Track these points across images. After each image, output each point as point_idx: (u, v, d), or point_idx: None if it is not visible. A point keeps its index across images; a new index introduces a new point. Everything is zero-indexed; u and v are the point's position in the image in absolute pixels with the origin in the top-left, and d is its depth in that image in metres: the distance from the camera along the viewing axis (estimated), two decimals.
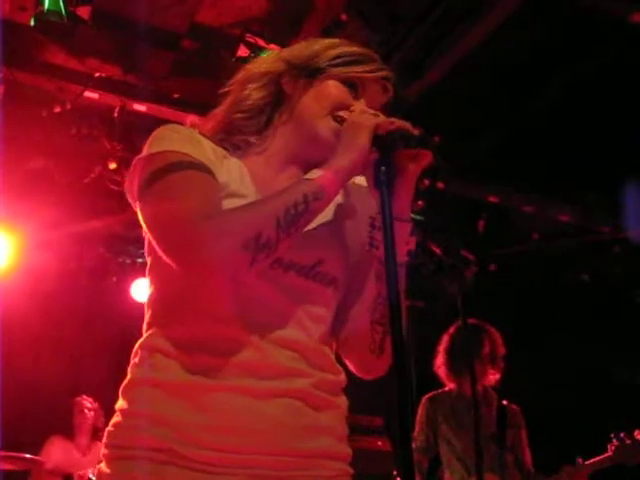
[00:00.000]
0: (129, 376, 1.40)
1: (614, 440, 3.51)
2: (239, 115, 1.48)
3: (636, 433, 3.50)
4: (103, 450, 1.36)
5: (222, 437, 1.27)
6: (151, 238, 1.33)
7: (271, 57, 1.55)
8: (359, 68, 1.44)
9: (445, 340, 3.81)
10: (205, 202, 1.27)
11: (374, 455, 4.37)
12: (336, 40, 1.52)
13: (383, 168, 1.27)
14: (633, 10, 3.45)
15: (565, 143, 4.47)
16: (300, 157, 1.47)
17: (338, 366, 1.46)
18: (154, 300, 1.42)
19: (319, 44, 1.50)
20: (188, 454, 1.26)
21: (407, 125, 1.30)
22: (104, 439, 1.37)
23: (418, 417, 3.75)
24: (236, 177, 1.40)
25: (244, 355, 1.30)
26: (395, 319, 1.15)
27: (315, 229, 1.40)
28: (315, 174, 1.31)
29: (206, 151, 1.38)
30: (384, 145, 1.28)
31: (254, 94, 1.48)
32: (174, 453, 1.26)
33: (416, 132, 1.28)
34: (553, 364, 5.82)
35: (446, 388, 3.76)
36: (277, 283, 1.35)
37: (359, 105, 1.42)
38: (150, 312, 1.43)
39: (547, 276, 6.06)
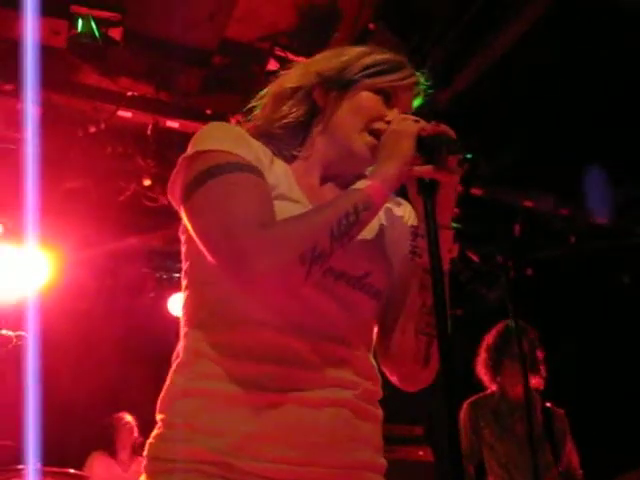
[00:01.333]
0: (171, 383, 1.36)
1: None
2: (279, 131, 1.46)
3: None
4: (145, 463, 1.33)
5: (279, 449, 1.25)
6: (201, 245, 1.28)
7: (300, 70, 1.52)
8: (391, 77, 1.43)
9: (485, 343, 3.77)
10: (259, 209, 1.24)
11: (415, 465, 4.34)
12: (366, 48, 1.50)
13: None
14: None
15: (599, 146, 4.41)
16: (337, 169, 1.46)
17: (379, 376, 1.45)
18: (195, 303, 1.39)
19: (348, 54, 1.48)
20: (244, 466, 1.23)
21: (450, 130, 1.29)
22: (145, 451, 1.33)
23: (460, 423, 3.71)
24: (284, 180, 1.38)
25: (295, 364, 1.29)
26: (442, 327, 1.14)
27: (364, 240, 1.40)
28: (363, 184, 1.30)
29: (256, 151, 1.36)
30: (428, 150, 1.27)
31: (292, 111, 1.47)
32: (228, 466, 1.23)
33: (457, 139, 1.28)
34: (596, 367, 5.73)
35: (488, 391, 3.72)
36: (329, 292, 1.34)
37: (393, 114, 1.41)
38: (190, 315, 1.39)
39: (586, 279, 5.97)
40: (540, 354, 3.64)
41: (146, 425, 5.62)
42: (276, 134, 1.46)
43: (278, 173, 1.38)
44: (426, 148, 1.28)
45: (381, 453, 1.41)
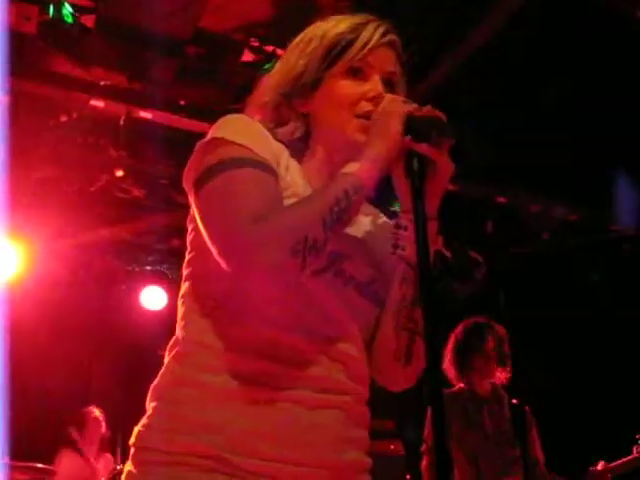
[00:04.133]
0: (168, 371, 1.33)
1: (639, 442, 3.46)
2: (282, 139, 1.43)
3: None
4: (133, 452, 1.29)
5: (274, 447, 1.23)
6: (205, 237, 1.27)
7: (267, 89, 1.46)
8: (350, 54, 1.38)
9: (452, 340, 3.78)
10: (258, 204, 1.22)
11: (386, 459, 4.35)
12: (315, 32, 1.43)
13: (415, 158, 1.23)
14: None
15: (571, 142, 4.45)
16: (345, 161, 1.37)
17: (368, 381, 1.43)
18: (200, 294, 1.35)
19: (299, 52, 1.43)
20: (239, 463, 1.21)
21: (439, 113, 1.26)
22: (133, 439, 1.30)
23: (428, 418, 3.72)
24: (299, 181, 1.37)
25: (301, 365, 1.27)
26: (429, 323, 1.08)
27: (372, 248, 1.39)
28: (352, 167, 1.27)
29: (272, 147, 1.34)
30: (417, 131, 1.24)
31: (284, 130, 1.43)
32: (223, 461, 1.21)
33: (447, 122, 1.24)
34: (563, 363, 5.79)
35: (455, 388, 3.73)
36: (337, 294, 1.32)
37: (371, 84, 1.38)
38: (193, 305, 1.35)
39: (556, 276, 6.03)
40: (506, 349, 3.66)
41: (116, 418, 5.61)
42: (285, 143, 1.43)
43: (294, 173, 1.37)
44: (415, 129, 1.24)
45: (367, 453, 1.40)
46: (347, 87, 1.38)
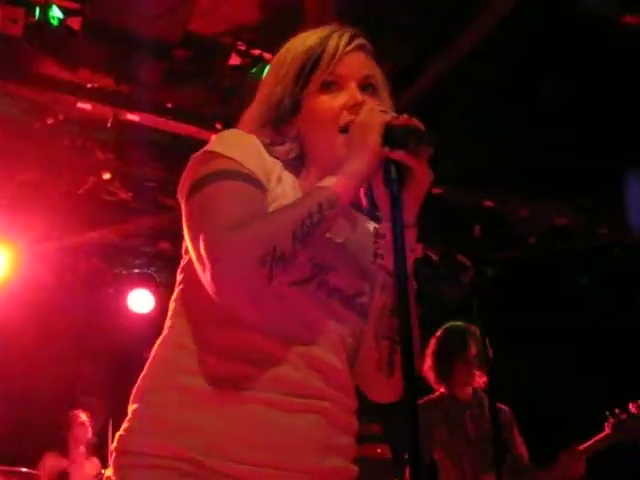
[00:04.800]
0: (148, 374, 1.35)
1: (609, 418, 3.46)
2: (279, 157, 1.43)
3: (630, 406, 3.45)
4: (114, 456, 1.30)
5: (249, 450, 1.23)
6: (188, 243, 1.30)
7: (250, 121, 1.47)
8: (321, 67, 1.38)
9: (432, 344, 3.76)
10: (235, 215, 1.22)
11: (374, 463, 4.35)
12: (286, 55, 1.44)
13: (393, 166, 1.22)
14: (625, 12, 3.45)
15: (560, 146, 4.47)
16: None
17: (354, 391, 1.42)
18: (188, 299, 1.38)
19: (274, 77, 1.44)
20: (213, 465, 1.22)
21: (417, 121, 1.25)
22: (115, 444, 1.31)
23: None
24: (289, 191, 1.37)
25: (279, 370, 1.28)
26: (405, 328, 1.05)
27: (359, 260, 1.38)
28: (329, 181, 1.26)
29: (264, 160, 1.35)
30: (396, 141, 1.23)
31: (280, 149, 1.42)
32: (197, 463, 1.22)
33: (426, 130, 1.23)
34: (552, 367, 5.81)
35: (437, 393, 3.73)
36: (320, 305, 1.33)
37: (348, 94, 1.37)
38: (180, 309, 1.38)
39: (545, 280, 6.05)
40: (487, 352, 3.65)
41: (102, 421, 5.55)
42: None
43: (286, 185, 1.37)
44: (393, 139, 1.23)
45: (353, 461, 1.40)
46: (325, 102, 1.38)
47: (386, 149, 1.24)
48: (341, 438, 1.35)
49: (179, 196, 1.37)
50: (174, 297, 1.42)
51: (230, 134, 1.39)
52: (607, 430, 3.44)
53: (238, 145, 1.33)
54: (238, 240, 1.20)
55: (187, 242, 1.30)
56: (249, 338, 1.28)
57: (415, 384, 1.01)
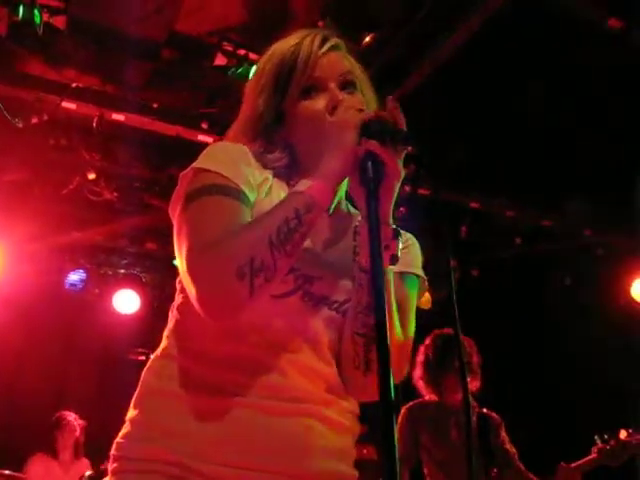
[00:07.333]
0: (142, 382, 1.37)
1: (597, 442, 3.48)
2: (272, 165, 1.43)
3: (620, 433, 3.47)
4: (111, 463, 1.31)
5: (237, 454, 1.24)
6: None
7: (237, 135, 1.47)
8: (297, 74, 1.39)
9: (421, 352, 3.74)
10: (214, 231, 1.23)
11: (359, 464, 4.34)
12: (264, 66, 1.45)
13: (370, 164, 1.20)
14: (608, 15, 3.48)
15: (544, 148, 4.49)
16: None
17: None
18: (182, 310, 1.39)
19: (255, 89, 1.44)
20: (200, 469, 1.23)
21: (398, 118, 1.22)
22: (112, 451, 1.32)
23: (398, 427, 3.70)
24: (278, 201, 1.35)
25: (269, 378, 1.28)
26: (381, 328, 1.02)
27: (347, 263, 1.37)
28: (304, 185, 1.25)
29: (252, 171, 1.35)
30: (371, 134, 1.21)
31: (272, 157, 1.43)
32: (186, 467, 1.23)
33: (403, 128, 1.22)
34: (535, 367, 5.84)
35: (426, 398, 3.72)
36: (307, 314, 1.33)
37: (329, 95, 1.38)
38: (175, 320, 1.40)
39: (530, 280, 6.08)
40: (475, 359, 3.64)
41: (89, 422, 5.51)
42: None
43: (275, 195, 1.37)
44: (370, 133, 1.22)
45: (352, 464, 1.40)
46: (307, 108, 1.39)
47: (362, 140, 1.22)
48: (336, 441, 1.35)
49: (171, 215, 1.37)
50: (173, 306, 1.44)
51: (218, 148, 1.39)
52: (594, 455, 3.46)
53: (226, 159, 1.33)
54: (214, 256, 1.19)
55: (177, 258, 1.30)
56: (239, 348, 1.29)
57: (390, 383, 0.99)
